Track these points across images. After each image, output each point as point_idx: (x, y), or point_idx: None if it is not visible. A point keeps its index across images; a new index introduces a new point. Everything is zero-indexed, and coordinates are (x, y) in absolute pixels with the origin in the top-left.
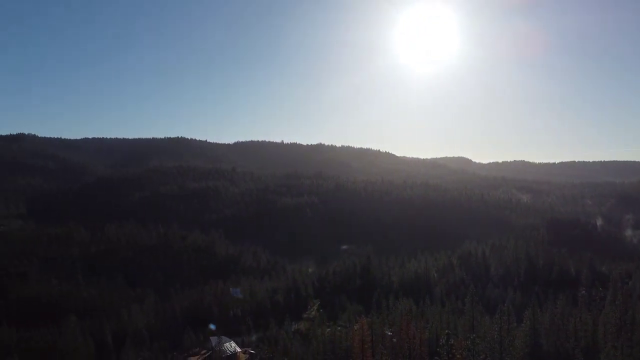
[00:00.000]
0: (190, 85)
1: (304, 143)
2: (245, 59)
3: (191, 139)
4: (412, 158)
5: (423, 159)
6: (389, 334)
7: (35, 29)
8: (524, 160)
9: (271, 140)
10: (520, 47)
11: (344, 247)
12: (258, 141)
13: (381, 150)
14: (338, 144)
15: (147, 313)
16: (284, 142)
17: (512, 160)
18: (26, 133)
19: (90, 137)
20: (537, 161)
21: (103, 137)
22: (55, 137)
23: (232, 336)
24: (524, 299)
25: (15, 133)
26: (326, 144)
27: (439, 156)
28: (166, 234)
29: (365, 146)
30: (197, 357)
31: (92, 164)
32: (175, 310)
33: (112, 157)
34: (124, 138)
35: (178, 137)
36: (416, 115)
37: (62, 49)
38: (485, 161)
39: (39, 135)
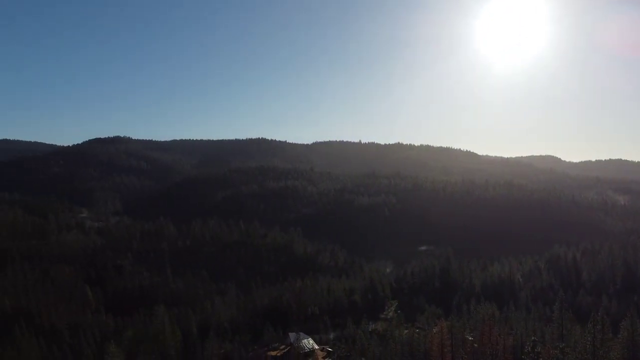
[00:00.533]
0: (272, 87)
1: (382, 142)
2: (324, 59)
3: (271, 140)
4: (495, 157)
5: (507, 157)
6: (470, 338)
7: (127, 39)
8: (620, 159)
9: (349, 140)
10: (622, 39)
11: (422, 248)
12: (336, 141)
13: (462, 149)
14: (416, 143)
15: (229, 306)
16: (362, 142)
17: (607, 158)
18: (122, 136)
19: (178, 138)
20: (636, 159)
21: (190, 139)
22: (148, 139)
23: (309, 333)
24: (620, 309)
25: (112, 136)
26: (404, 143)
27: (524, 155)
28: (247, 231)
29: (444, 145)
30: (276, 352)
31: (180, 164)
32: (256, 305)
33: (198, 158)
34: (208, 139)
35: (259, 138)
36: (499, 112)
37: (154, 57)
38: (576, 160)
39: (133, 138)
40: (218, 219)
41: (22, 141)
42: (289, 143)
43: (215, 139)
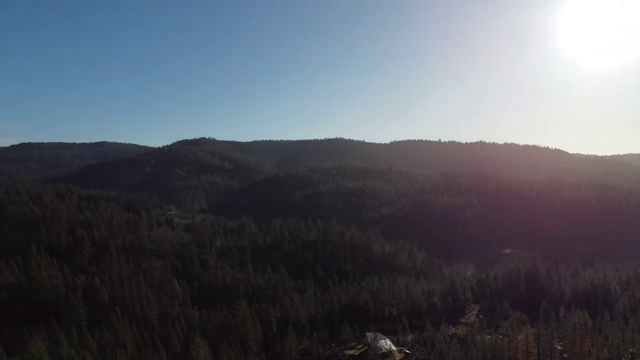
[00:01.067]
0: (350, 88)
1: (463, 141)
2: (400, 59)
3: (349, 140)
4: (588, 155)
5: (601, 156)
6: (559, 348)
7: (210, 46)
8: None
9: (428, 139)
10: None
11: (507, 250)
12: (414, 140)
13: (550, 147)
14: (500, 142)
15: (307, 303)
16: (441, 141)
17: None
18: (207, 137)
19: (259, 139)
20: None
21: (270, 140)
22: (231, 140)
23: (387, 334)
24: None
25: (198, 137)
26: (487, 141)
27: (621, 153)
28: (325, 229)
29: (531, 143)
30: (353, 351)
31: (261, 164)
32: (333, 303)
33: (278, 158)
34: (288, 140)
35: (336, 138)
36: (591, 108)
37: (237, 63)
38: None
39: (218, 139)
40: (297, 218)
41: (118, 143)
42: (366, 143)
43: (294, 139)
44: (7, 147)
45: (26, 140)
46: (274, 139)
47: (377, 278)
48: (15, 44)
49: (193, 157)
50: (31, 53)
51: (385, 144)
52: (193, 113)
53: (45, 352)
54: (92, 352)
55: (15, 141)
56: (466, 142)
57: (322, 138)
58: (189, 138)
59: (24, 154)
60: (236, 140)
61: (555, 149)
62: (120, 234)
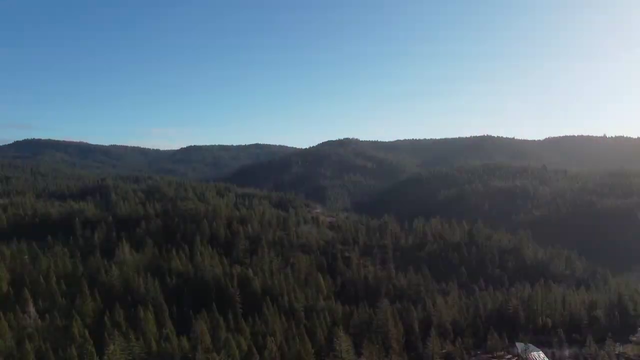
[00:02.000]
0: (495, 84)
1: (634, 136)
2: (555, 50)
3: (497, 137)
4: None
5: None
6: None
7: (345, 52)
8: None
9: (590, 135)
10: None
11: None
12: (573, 136)
13: None
14: None
15: (451, 307)
16: (607, 136)
17: None
18: (351, 137)
19: (402, 139)
20: None
21: (413, 139)
22: (374, 140)
23: (540, 346)
24: None
25: (342, 138)
26: None
27: None
28: (471, 231)
29: None
30: None
31: (404, 164)
32: (479, 308)
33: (422, 157)
34: (431, 139)
35: (484, 135)
36: None
37: (375, 65)
38: None
39: (361, 139)
40: (441, 218)
41: (270, 145)
42: (517, 140)
43: (438, 138)
44: (176, 150)
45: (192, 144)
46: (417, 138)
47: (529, 285)
48: (180, 59)
49: (337, 157)
50: (198, 71)
51: (539, 140)
52: (338, 114)
53: (207, 333)
54: (245, 337)
55: (184, 144)
56: (638, 137)
57: (468, 136)
58: (334, 139)
59: (190, 155)
60: (379, 140)
61: None
62: (271, 230)
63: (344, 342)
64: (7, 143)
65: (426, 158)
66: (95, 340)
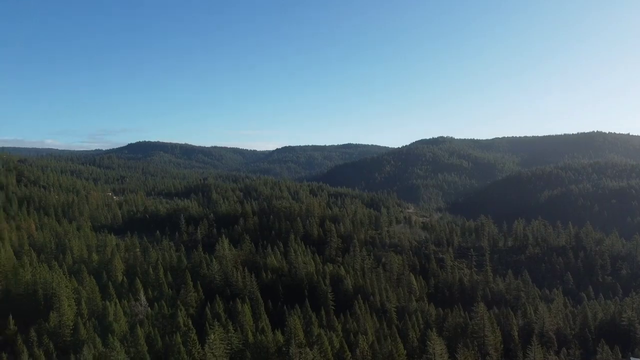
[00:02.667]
0: (607, 75)
1: None
2: None
3: (608, 133)
4: None
5: None
6: None
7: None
8: None
9: None
10: None
11: None
12: None
13: None
14: None
15: (555, 315)
16: None
17: None
18: (445, 136)
19: (500, 136)
20: None
21: (513, 136)
22: (470, 138)
23: None
24: None
25: (436, 136)
26: None
27: None
28: (578, 235)
29: None
30: None
31: (502, 162)
32: (588, 318)
33: (523, 155)
34: (533, 136)
35: (592, 131)
36: None
37: (472, 61)
38: None
39: (456, 138)
40: (543, 220)
41: (362, 144)
42: (632, 136)
43: (541, 134)
44: (273, 150)
45: (288, 144)
46: (517, 135)
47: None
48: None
49: (431, 156)
50: (292, 74)
51: None
52: (431, 113)
53: (300, 328)
54: (337, 334)
55: (279, 145)
56: None
57: (575, 132)
58: (428, 137)
59: (286, 155)
60: (475, 138)
61: None
62: (363, 229)
63: (437, 345)
64: (122, 145)
65: (527, 156)
66: (197, 329)
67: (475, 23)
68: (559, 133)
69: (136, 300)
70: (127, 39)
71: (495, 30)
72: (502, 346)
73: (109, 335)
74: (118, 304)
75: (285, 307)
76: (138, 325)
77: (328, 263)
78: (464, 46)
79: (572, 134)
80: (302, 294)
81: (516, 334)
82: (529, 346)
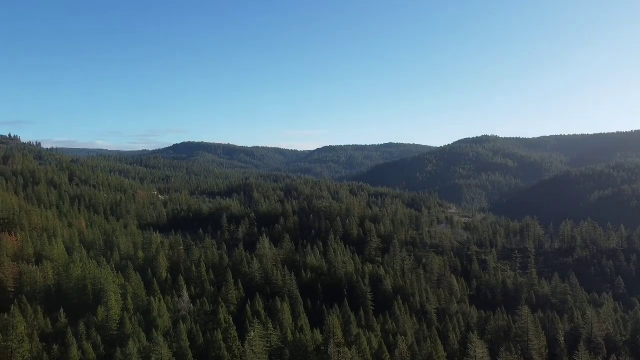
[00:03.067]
0: None
1: None
2: None
3: None
4: None
5: None
6: None
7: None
8: None
9: None
10: None
11: None
12: None
13: None
14: None
15: (605, 320)
16: None
17: None
18: (489, 135)
19: (548, 135)
20: None
21: (561, 135)
22: (516, 137)
23: None
24: None
25: (480, 135)
26: None
27: None
28: (630, 237)
29: None
30: None
31: (549, 162)
32: (638, 323)
33: (572, 155)
34: (583, 134)
35: None
36: None
37: (516, 58)
38: None
39: (501, 136)
40: (592, 221)
41: (403, 144)
42: None
43: (591, 133)
44: (313, 150)
45: (328, 144)
46: (565, 134)
47: None
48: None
49: (474, 156)
50: (332, 76)
51: None
52: (475, 112)
53: (339, 328)
54: (376, 334)
55: (320, 145)
56: None
57: (628, 130)
58: (471, 136)
59: (327, 155)
60: (521, 137)
61: None
62: (403, 229)
63: (479, 348)
64: (167, 146)
65: (575, 156)
66: (238, 326)
67: (519, 20)
68: (610, 131)
69: (179, 296)
70: (171, 41)
71: (542, 28)
72: (547, 351)
73: (153, 330)
74: (162, 300)
75: (324, 306)
76: (181, 321)
77: (368, 263)
78: (509, 43)
79: (625, 132)
80: (341, 294)
81: (562, 339)
82: (576, 352)
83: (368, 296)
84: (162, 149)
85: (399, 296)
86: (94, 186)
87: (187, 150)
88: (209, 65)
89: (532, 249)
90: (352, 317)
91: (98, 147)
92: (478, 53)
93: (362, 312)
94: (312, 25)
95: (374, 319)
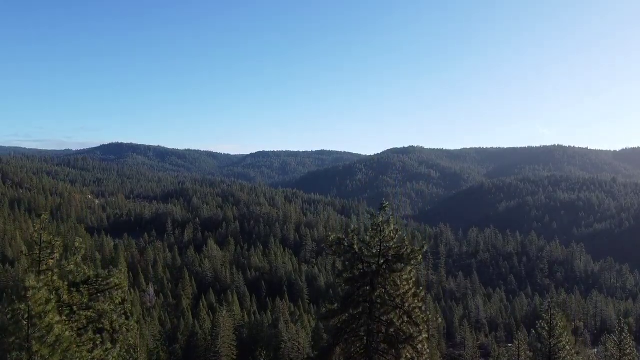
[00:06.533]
0: (567, 89)
1: None
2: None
3: (568, 147)
4: None
5: None
6: None
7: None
8: None
9: None
10: None
11: None
12: None
13: None
14: None
15: (491, 307)
16: None
17: None
18: (415, 145)
19: (469, 147)
20: None
21: (480, 147)
22: (439, 148)
23: None
24: None
25: (406, 146)
26: None
27: None
28: (523, 242)
29: None
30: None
31: (469, 173)
32: (516, 309)
33: (489, 166)
34: (499, 147)
35: (554, 145)
36: None
37: (441, 71)
38: None
39: (426, 147)
40: (494, 229)
41: (335, 151)
42: (590, 150)
43: (506, 146)
44: (247, 155)
45: (261, 149)
46: (484, 147)
47: (579, 293)
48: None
49: (401, 165)
50: (266, 79)
51: (614, 151)
52: (404, 122)
53: (286, 310)
54: (313, 317)
55: (253, 149)
56: None
57: (538, 145)
58: (399, 146)
59: (260, 160)
60: (444, 148)
61: None
62: (334, 234)
63: None
64: (94, 146)
65: (493, 167)
66: (195, 316)
67: (442, 37)
68: (524, 145)
69: (143, 291)
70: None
71: (475, 40)
72: (445, 330)
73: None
74: (132, 293)
75: (268, 299)
76: (151, 310)
77: (304, 264)
78: (434, 58)
79: (535, 146)
80: (282, 290)
81: (457, 321)
82: (461, 327)
83: (305, 291)
84: (89, 149)
85: (331, 291)
86: (29, 189)
87: (116, 151)
88: (133, 65)
89: (443, 252)
90: (292, 307)
91: (14, 146)
92: (409, 65)
93: (300, 304)
94: (242, 29)
95: (310, 308)
